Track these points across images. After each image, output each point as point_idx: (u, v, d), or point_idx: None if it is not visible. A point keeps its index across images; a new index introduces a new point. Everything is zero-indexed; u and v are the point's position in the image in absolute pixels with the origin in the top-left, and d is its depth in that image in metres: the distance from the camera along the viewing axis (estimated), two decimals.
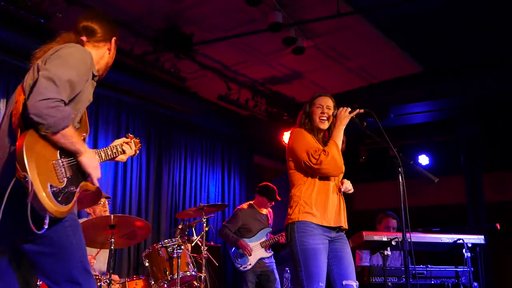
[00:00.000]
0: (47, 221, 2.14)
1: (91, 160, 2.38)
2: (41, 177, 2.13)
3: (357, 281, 3.57)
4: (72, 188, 2.29)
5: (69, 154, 2.32)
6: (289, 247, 3.59)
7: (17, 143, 2.14)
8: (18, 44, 5.64)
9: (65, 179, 2.26)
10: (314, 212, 3.51)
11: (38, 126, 2.15)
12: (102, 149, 2.77)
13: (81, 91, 2.38)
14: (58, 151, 2.28)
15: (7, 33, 5.63)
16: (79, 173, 2.37)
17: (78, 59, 2.36)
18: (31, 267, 2.38)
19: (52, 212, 2.14)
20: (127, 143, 2.89)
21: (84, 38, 2.58)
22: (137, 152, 2.97)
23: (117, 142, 2.88)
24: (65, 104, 2.23)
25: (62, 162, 2.28)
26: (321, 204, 3.54)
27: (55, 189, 2.18)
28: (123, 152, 2.86)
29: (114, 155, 2.81)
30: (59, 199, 2.19)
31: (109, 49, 2.69)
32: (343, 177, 3.81)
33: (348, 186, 3.72)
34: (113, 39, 2.69)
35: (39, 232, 2.12)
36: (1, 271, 2.37)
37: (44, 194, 2.11)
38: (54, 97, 2.16)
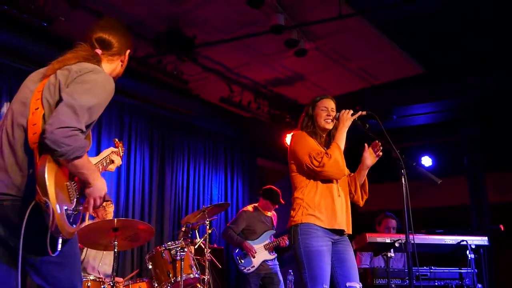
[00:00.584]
0: (60, 241, 2.20)
1: (96, 191, 2.39)
2: (58, 201, 2.19)
3: (360, 283, 3.57)
4: (80, 208, 2.37)
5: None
6: (292, 249, 3.59)
7: (38, 167, 2.17)
8: (21, 47, 5.66)
9: (74, 200, 2.33)
10: (317, 215, 3.52)
11: (53, 152, 2.17)
12: (97, 162, 2.78)
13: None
14: (69, 173, 2.33)
15: (10, 37, 5.64)
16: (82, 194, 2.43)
17: (102, 88, 2.37)
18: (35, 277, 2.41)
19: (65, 235, 2.21)
20: (115, 152, 2.90)
21: (99, 51, 2.56)
22: (121, 157, 2.99)
23: (106, 152, 2.90)
24: (84, 132, 2.25)
25: (73, 183, 2.34)
26: (326, 207, 3.54)
27: (69, 211, 2.26)
28: (112, 162, 2.88)
29: (106, 167, 2.85)
30: (70, 220, 2.27)
31: (122, 61, 2.68)
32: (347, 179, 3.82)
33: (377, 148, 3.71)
34: (127, 52, 2.68)
35: (53, 255, 2.18)
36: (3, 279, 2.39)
37: (61, 218, 2.17)
38: (73, 125, 2.18)
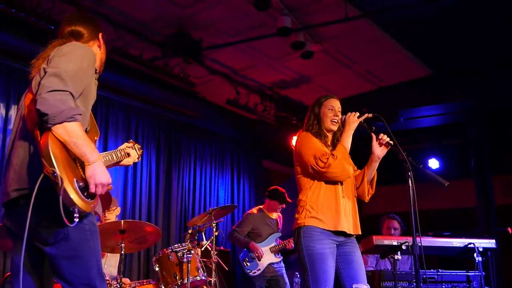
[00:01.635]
0: (76, 214, 2.15)
1: (98, 174, 2.23)
2: (68, 172, 2.16)
3: (368, 285, 3.54)
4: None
5: None
6: (296, 252, 3.59)
7: (41, 141, 2.16)
8: (29, 50, 5.68)
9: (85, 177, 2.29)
10: (320, 217, 3.49)
11: (43, 118, 2.15)
12: (110, 152, 2.80)
13: (88, 86, 2.41)
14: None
15: (17, 40, 5.68)
16: None
17: (81, 53, 2.39)
18: (51, 271, 2.42)
19: (81, 206, 2.16)
20: (130, 147, 2.92)
21: (72, 41, 2.61)
22: (139, 157, 3.00)
23: (122, 146, 2.93)
24: (74, 97, 2.24)
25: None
26: (329, 209, 3.52)
27: (81, 184, 2.20)
28: (128, 155, 2.89)
29: (121, 158, 2.87)
30: (85, 194, 2.21)
31: (99, 46, 2.73)
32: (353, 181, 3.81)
33: (384, 137, 3.65)
34: (100, 35, 2.73)
35: (71, 225, 2.13)
36: (17, 270, 2.40)
37: (72, 188, 2.14)
38: (60, 88, 2.19)
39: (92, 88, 2.48)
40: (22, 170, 2.31)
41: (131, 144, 2.96)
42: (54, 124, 2.16)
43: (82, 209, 2.17)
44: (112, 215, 5.27)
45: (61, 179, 2.09)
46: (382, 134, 3.67)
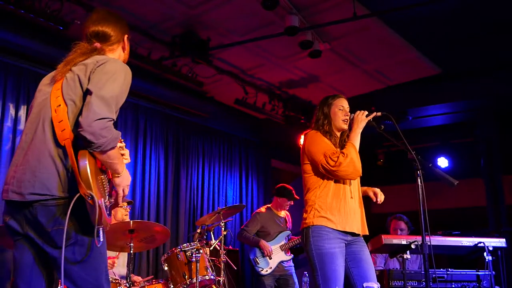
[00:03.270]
0: (102, 233, 2.27)
1: (124, 181, 2.49)
2: (98, 192, 2.25)
3: (378, 283, 3.54)
4: (111, 200, 2.44)
5: (104, 170, 2.41)
6: (305, 251, 3.58)
7: (80, 162, 2.23)
8: (38, 51, 5.73)
9: (107, 194, 2.39)
10: (329, 217, 3.49)
11: (90, 144, 2.23)
12: None
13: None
14: (100, 168, 2.38)
15: (26, 41, 5.71)
16: (111, 186, 2.49)
17: (123, 76, 2.40)
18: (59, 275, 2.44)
19: (105, 225, 2.28)
20: (121, 147, 2.93)
21: (98, 45, 2.57)
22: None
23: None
24: (113, 121, 2.30)
25: (105, 177, 2.40)
26: (338, 209, 3.52)
27: (106, 203, 2.34)
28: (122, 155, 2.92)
29: None
30: (107, 212, 2.33)
31: (124, 48, 2.70)
32: (361, 181, 3.80)
33: (380, 198, 3.74)
34: (125, 36, 2.70)
35: (98, 245, 2.27)
36: (24, 268, 2.42)
37: (102, 209, 2.23)
38: (107, 116, 2.24)
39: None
40: (43, 175, 2.31)
41: (123, 145, 2.97)
42: (98, 151, 2.26)
43: (106, 226, 2.29)
44: (127, 211, 5.31)
45: (98, 202, 2.19)
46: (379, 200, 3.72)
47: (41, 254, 2.41)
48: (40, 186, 2.29)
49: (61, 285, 2.59)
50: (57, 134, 2.33)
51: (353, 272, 3.53)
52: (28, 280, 2.40)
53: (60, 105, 2.36)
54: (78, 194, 2.21)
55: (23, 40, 5.67)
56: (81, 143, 2.26)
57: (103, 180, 2.36)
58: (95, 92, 2.26)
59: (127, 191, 2.52)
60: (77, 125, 2.25)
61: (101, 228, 2.26)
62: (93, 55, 2.49)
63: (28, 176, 2.32)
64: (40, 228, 2.31)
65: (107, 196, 2.38)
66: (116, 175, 2.44)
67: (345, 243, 3.54)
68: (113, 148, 2.31)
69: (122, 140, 2.99)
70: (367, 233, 3.66)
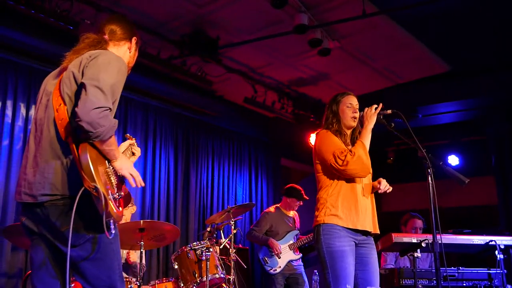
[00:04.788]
0: (113, 226, 2.27)
1: (124, 163, 2.46)
2: (104, 186, 2.24)
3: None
4: (120, 193, 2.41)
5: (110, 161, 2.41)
6: (316, 249, 3.59)
7: (80, 155, 2.23)
8: (48, 50, 5.76)
9: (115, 185, 2.38)
10: (340, 215, 3.49)
11: (88, 134, 2.23)
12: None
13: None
14: (107, 160, 2.37)
15: (37, 40, 5.75)
16: (120, 178, 2.46)
17: (116, 66, 2.43)
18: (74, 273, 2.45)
19: (115, 217, 2.27)
20: (132, 144, 2.95)
21: (106, 37, 2.68)
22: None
23: (125, 145, 2.94)
24: (110, 110, 2.31)
25: (111, 169, 2.39)
26: (349, 207, 3.52)
27: (115, 195, 2.32)
28: (133, 154, 2.93)
29: (128, 157, 2.91)
30: (117, 204, 2.32)
31: (129, 48, 2.76)
32: (371, 179, 3.79)
33: (383, 186, 3.68)
34: (133, 38, 2.77)
35: (110, 237, 2.26)
36: (40, 267, 2.44)
37: (109, 201, 2.23)
38: (103, 105, 2.25)
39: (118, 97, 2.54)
40: (51, 175, 2.34)
41: (133, 141, 2.99)
42: (98, 141, 2.27)
43: (116, 219, 2.28)
44: (127, 212, 5.32)
45: (103, 194, 2.17)
46: (383, 189, 3.67)
47: (57, 253, 2.43)
48: (50, 187, 2.32)
49: (72, 283, 2.59)
50: (60, 132, 2.36)
51: (358, 275, 3.54)
52: (43, 279, 2.43)
53: (61, 104, 2.40)
54: (83, 188, 2.21)
55: (34, 40, 5.71)
56: (82, 137, 2.26)
57: (109, 173, 2.35)
58: (90, 83, 2.28)
59: (134, 171, 2.48)
60: (74, 115, 2.25)
61: (111, 221, 2.25)
62: (98, 47, 2.57)
63: (38, 178, 2.35)
64: (53, 228, 2.34)
65: (115, 189, 2.36)
66: (113, 161, 2.41)
67: (355, 243, 3.54)
68: (111, 136, 2.32)
69: (134, 138, 3.02)
70: (378, 232, 3.65)
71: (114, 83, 2.36)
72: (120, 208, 2.35)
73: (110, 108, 2.28)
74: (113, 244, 2.41)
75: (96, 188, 2.17)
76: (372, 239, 3.65)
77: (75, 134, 2.29)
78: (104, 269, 2.38)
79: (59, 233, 2.33)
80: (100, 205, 2.17)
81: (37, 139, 2.46)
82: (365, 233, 3.58)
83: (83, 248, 2.33)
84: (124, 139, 3.02)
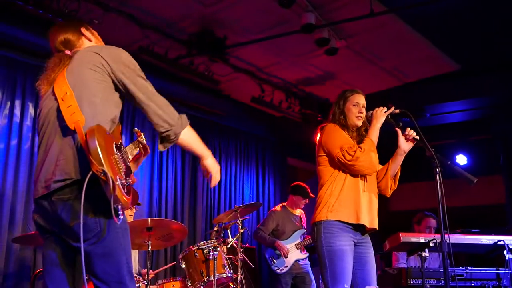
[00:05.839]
0: (121, 212, 2.25)
1: (215, 164, 2.76)
2: (113, 170, 2.22)
3: (377, 286, 3.55)
4: (128, 180, 2.38)
5: (119, 148, 2.40)
6: (315, 247, 3.56)
7: (89, 141, 2.22)
8: None
9: (123, 172, 2.35)
10: (341, 210, 3.47)
11: (166, 134, 2.54)
12: (131, 145, 2.83)
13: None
14: (114, 146, 2.35)
15: (45, 41, 5.75)
16: (127, 166, 2.44)
17: (134, 60, 2.57)
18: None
19: (123, 203, 2.23)
20: (140, 141, 2.96)
21: (68, 52, 2.69)
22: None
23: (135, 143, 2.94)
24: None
25: (119, 155, 2.36)
26: (351, 202, 3.49)
27: (123, 181, 2.29)
28: (145, 150, 2.94)
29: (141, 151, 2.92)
30: (125, 190, 2.28)
31: (88, 38, 2.77)
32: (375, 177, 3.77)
33: (410, 132, 3.63)
34: (81, 29, 2.76)
35: (118, 222, 2.25)
36: (51, 266, 2.45)
37: (117, 186, 2.20)
38: (158, 96, 2.56)
39: None
40: (61, 162, 2.34)
41: (141, 140, 2.99)
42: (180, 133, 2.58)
43: (125, 206, 2.24)
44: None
45: (111, 178, 2.15)
46: (408, 129, 3.64)
47: (68, 251, 2.44)
48: (60, 173, 2.32)
49: (89, 281, 2.59)
50: (66, 119, 2.35)
51: (357, 274, 3.53)
52: (54, 277, 2.44)
53: (67, 93, 2.40)
54: (91, 172, 2.19)
55: (42, 40, 5.71)
56: (91, 124, 2.26)
57: (116, 159, 2.33)
58: (144, 93, 2.54)
59: (218, 176, 2.77)
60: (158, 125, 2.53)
61: (119, 206, 2.22)
62: (68, 61, 2.58)
63: (52, 168, 2.36)
64: (63, 224, 2.35)
65: (124, 175, 2.34)
66: (204, 158, 2.75)
67: (354, 242, 3.53)
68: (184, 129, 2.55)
69: (142, 133, 3.02)
70: (377, 228, 3.62)
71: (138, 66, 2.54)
72: (128, 195, 2.31)
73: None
74: (121, 239, 2.40)
75: (104, 172, 2.15)
76: (369, 238, 3.63)
77: (85, 123, 2.29)
78: (113, 264, 2.37)
79: (68, 229, 2.34)
80: (108, 189, 2.16)
81: (45, 133, 2.47)
82: (363, 231, 3.56)
83: (92, 243, 2.33)
84: (132, 135, 3.03)
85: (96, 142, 2.19)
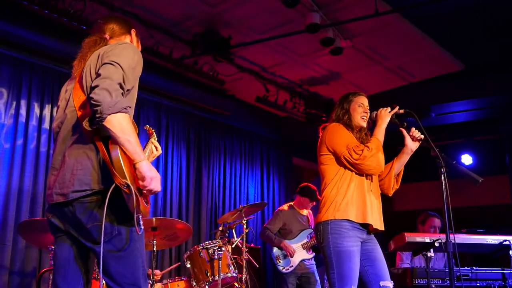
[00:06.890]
0: (141, 222, 2.28)
1: (149, 170, 2.26)
2: (136, 182, 2.25)
3: (392, 281, 3.52)
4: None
5: None
6: (320, 247, 3.52)
7: (111, 152, 2.23)
8: (62, 50, 5.79)
9: None
10: (348, 209, 3.44)
11: (95, 108, 2.19)
12: (145, 148, 2.85)
13: (134, 88, 2.50)
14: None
15: (50, 40, 5.78)
16: None
17: (131, 51, 2.46)
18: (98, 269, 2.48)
19: (144, 213, 2.27)
20: (152, 141, 2.96)
21: (107, 36, 2.71)
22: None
23: (149, 143, 2.95)
24: (123, 94, 2.31)
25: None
26: (357, 201, 3.47)
27: (144, 191, 2.31)
28: (156, 149, 2.95)
29: (152, 151, 2.93)
30: (145, 200, 2.32)
31: (131, 41, 2.80)
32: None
33: (415, 133, 3.63)
34: (132, 30, 2.81)
35: (139, 233, 2.28)
36: (63, 264, 2.47)
37: (139, 197, 2.23)
38: (117, 79, 2.28)
39: (136, 90, 2.56)
40: (80, 172, 2.35)
41: (154, 140, 2.99)
42: (109, 114, 2.20)
43: (145, 215, 2.29)
44: None
45: (134, 192, 2.18)
46: (413, 129, 3.63)
47: (82, 251, 2.46)
48: (79, 183, 2.33)
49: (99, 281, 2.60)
50: (85, 132, 2.36)
51: (368, 271, 3.49)
52: (66, 276, 2.45)
53: (80, 96, 2.43)
54: (114, 185, 2.21)
55: (47, 40, 5.75)
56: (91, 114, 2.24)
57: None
58: (106, 60, 2.34)
59: (155, 185, 2.28)
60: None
61: (140, 216, 2.25)
62: (102, 45, 2.59)
63: (68, 176, 2.37)
64: (79, 225, 2.36)
65: None
66: (135, 161, 2.25)
67: (360, 241, 3.51)
68: (124, 112, 2.23)
69: (154, 130, 3.03)
70: (383, 229, 3.60)
71: (130, 65, 2.37)
72: (147, 204, 2.34)
73: (122, 86, 2.30)
74: (137, 242, 2.41)
75: (127, 185, 2.17)
76: (374, 236, 3.61)
77: (104, 133, 2.28)
78: (128, 266, 2.38)
79: (84, 230, 2.35)
80: (131, 202, 2.18)
81: (61, 139, 2.48)
82: (369, 231, 3.54)
83: (109, 245, 2.34)
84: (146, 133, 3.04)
85: (119, 154, 2.21)
